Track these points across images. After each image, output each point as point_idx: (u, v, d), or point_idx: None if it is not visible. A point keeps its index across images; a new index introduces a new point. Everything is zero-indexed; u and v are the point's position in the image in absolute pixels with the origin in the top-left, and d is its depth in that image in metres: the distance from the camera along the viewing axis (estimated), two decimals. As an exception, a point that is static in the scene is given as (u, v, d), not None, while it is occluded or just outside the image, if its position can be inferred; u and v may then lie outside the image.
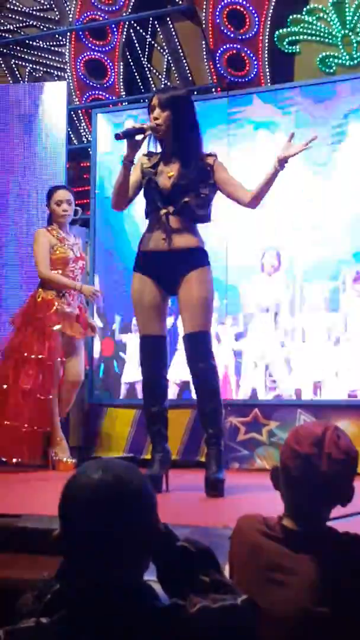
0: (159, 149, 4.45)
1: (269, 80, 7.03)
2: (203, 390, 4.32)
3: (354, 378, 5.74)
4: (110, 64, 7.81)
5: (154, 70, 7.71)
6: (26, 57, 8.22)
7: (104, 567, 1.51)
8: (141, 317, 4.45)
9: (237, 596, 1.61)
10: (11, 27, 8.26)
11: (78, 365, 5.79)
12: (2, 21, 8.26)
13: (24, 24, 8.23)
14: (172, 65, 7.59)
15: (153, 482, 3.99)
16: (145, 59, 7.71)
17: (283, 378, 5.94)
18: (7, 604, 1.77)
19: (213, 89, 7.20)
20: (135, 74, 7.74)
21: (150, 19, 7.63)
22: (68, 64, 7.94)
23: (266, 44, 7.05)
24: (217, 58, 7.20)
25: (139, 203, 4.53)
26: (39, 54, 8.18)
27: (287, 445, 2.09)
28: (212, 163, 4.38)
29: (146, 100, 7.28)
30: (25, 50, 8.21)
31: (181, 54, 7.55)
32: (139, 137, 4.26)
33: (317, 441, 2.05)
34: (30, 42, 8.18)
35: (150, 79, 7.72)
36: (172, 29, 7.58)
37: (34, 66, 8.19)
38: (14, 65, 8.24)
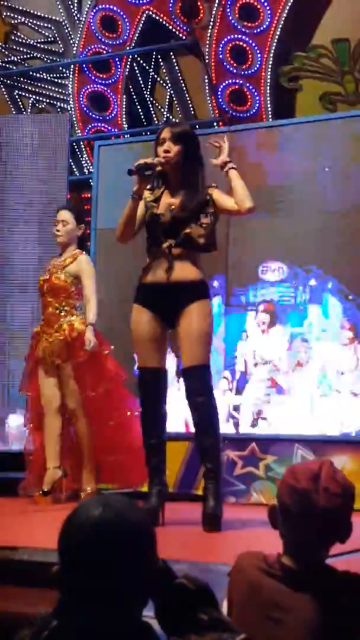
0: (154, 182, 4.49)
1: (270, 116, 7.09)
2: (202, 425, 4.30)
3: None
4: (113, 96, 7.88)
5: (157, 104, 7.78)
6: (30, 88, 8.28)
7: (103, 603, 1.50)
8: (140, 349, 4.44)
9: (235, 635, 1.59)
10: (15, 59, 8.33)
11: (67, 395, 5.49)
12: (6, 53, 8.33)
13: (29, 56, 8.31)
14: (174, 99, 7.66)
15: (151, 516, 4.00)
16: (148, 93, 7.78)
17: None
18: (4, 637, 1.76)
19: (215, 124, 7.25)
20: (138, 107, 7.80)
21: (154, 53, 7.70)
22: (71, 96, 8.00)
23: (268, 80, 7.12)
24: (219, 92, 7.27)
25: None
26: (43, 85, 8.25)
27: (284, 482, 2.09)
28: (211, 192, 4.40)
29: (149, 133, 7.38)
30: (28, 81, 8.28)
31: (184, 88, 7.61)
32: (148, 172, 4.29)
33: (314, 476, 2.05)
34: (34, 74, 8.25)
35: (152, 112, 7.78)
36: (175, 63, 7.65)
37: (37, 97, 8.25)
38: (17, 97, 8.30)
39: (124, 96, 7.83)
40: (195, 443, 4.43)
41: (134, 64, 7.81)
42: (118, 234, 4.49)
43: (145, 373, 4.41)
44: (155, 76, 7.76)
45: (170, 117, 7.63)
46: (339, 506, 2.05)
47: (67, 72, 8.09)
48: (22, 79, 8.29)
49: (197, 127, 7.25)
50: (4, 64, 8.35)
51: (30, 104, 8.27)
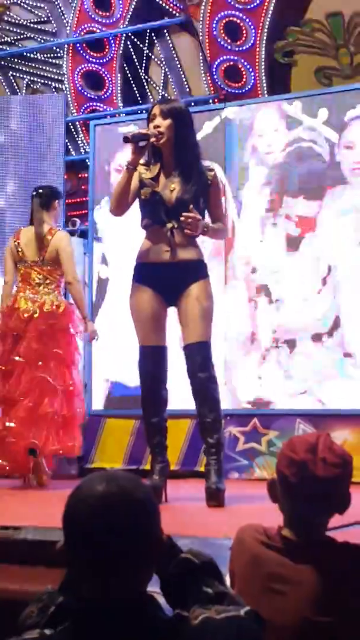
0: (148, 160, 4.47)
1: (265, 91, 7.06)
2: (203, 401, 4.34)
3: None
4: (108, 75, 7.84)
5: (152, 82, 7.74)
6: (24, 69, 8.24)
7: (108, 578, 1.52)
8: (141, 328, 4.46)
9: (240, 607, 1.61)
10: (9, 40, 8.28)
11: None
12: (0, 34, 8.29)
13: (22, 37, 8.26)
14: (169, 76, 7.62)
15: (155, 493, 4.03)
16: (143, 71, 7.74)
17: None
18: (10, 615, 1.78)
19: (210, 100, 7.23)
20: (133, 85, 7.77)
21: (148, 31, 7.66)
22: (66, 76, 7.96)
23: (263, 56, 7.08)
24: (214, 69, 7.23)
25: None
26: (37, 66, 8.21)
27: (282, 455, 2.12)
28: (211, 178, 4.43)
29: (144, 112, 7.35)
30: (23, 62, 8.24)
31: (178, 66, 7.58)
32: (142, 143, 4.31)
33: (312, 447, 2.08)
34: (28, 55, 8.21)
35: (147, 90, 7.75)
36: (170, 41, 7.61)
37: (32, 78, 8.21)
38: (11, 78, 8.26)
39: (119, 75, 7.80)
40: (197, 418, 4.45)
41: (128, 43, 7.77)
42: (113, 206, 4.50)
43: (147, 351, 4.44)
44: (150, 54, 7.72)
45: (166, 94, 7.60)
46: (337, 476, 2.07)
47: (61, 52, 8.05)
48: (16, 60, 8.25)
49: (192, 104, 7.22)
50: (-3, 45, 8.31)
51: (24, 85, 8.23)
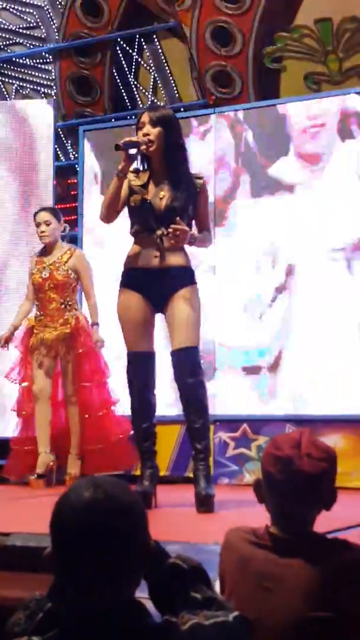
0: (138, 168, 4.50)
1: (254, 97, 7.07)
2: (191, 406, 4.34)
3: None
4: (97, 81, 7.84)
5: (141, 87, 7.74)
6: (13, 74, 8.24)
7: (96, 584, 1.51)
8: (129, 334, 4.45)
9: (229, 612, 1.61)
10: (-2, 45, 8.28)
11: (65, 384, 5.75)
12: (-11, 39, 8.29)
13: (11, 42, 8.25)
14: (158, 82, 7.63)
15: (143, 498, 4.03)
16: (132, 76, 7.74)
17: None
18: (-3, 622, 1.76)
19: (199, 106, 7.24)
20: (122, 91, 7.77)
21: (137, 36, 7.67)
22: (55, 82, 7.96)
23: (252, 61, 7.09)
24: (203, 75, 7.24)
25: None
26: (26, 71, 8.20)
27: (266, 454, 2.12)
28: (199, 187, 4.46)
29: (134, 117, 7.36)
30: (12, 68, 8.23)
31: (167, 71, 7.58)
32: (132, 150, 4.32)
33: (296, 443, 2.08)
34: (17, 60, 8.20)
35: (137, 95, 7.75)
36: (159, 46, 7.62)
37: (21, 84, 8.21)
38: (0, 83, 8.26)
39: (108, 80, 7.80)
40: (186, 424, 4.45)
41: (117, 48, 7.77)
42: (103, 214, 4.50)
43: (135, 357, 4.43)
44: (139, 60, 7.73)
45: (155, 100, 7.60)
46: (323, 471, 2.08)
47: (51, 57, 8.05)
48: (5, 65, 8.24)
49: (182, 109, 7.24)
50: (-14, 51, 8.31)
51: (14, 90, 8.23)
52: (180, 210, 4.34)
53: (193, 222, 4.47)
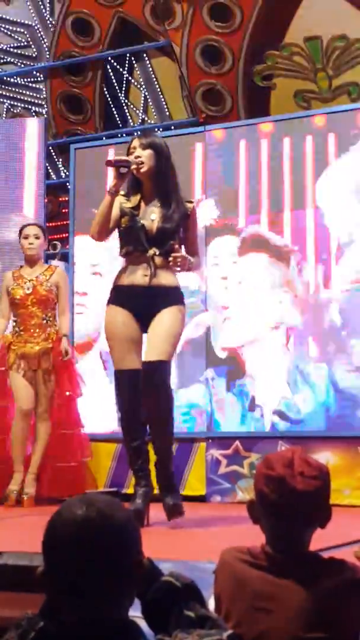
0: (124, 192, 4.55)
1: (244, 114, 7.10)
2: (158, 417, 4.38)
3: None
4: (88, 99, 7.87)
5: (131, 106, 7.78)
6: (4, 93, 8.26)
7: (89, 603, 1.50)
8: (118, 350, 4.46)
9: (223, 631, 1.59)
10: (-11, 64, 8.31)
11: (39, 398, 5.70)
12: (-20, 59, 8.32)
13: (2, 61, 8.29)
14: (149, 100, 7.66)
15: (137, 517, 4.01)
16: (123, 95, 7.78)
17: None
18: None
19: (190, 124, 7.26)
20: (113, 109, 7.80)
21: (127, 55, 7.70)
22: (46, 100, 7.99)
23: (242, 79, 7.13)
24: (193, 93, 7.27)
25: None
26: (17, 90, 8.23)
27: (259, 473, 2.11)
28: (189, 210, 4.53)
29: (124, 135, 7.38)
30: (3, 86, 8.26)
31: (158, 89, 7.62)
32: (123, 170, 4.36)
33: (288, 462, 2.07)
34: (8, 79, 8.23)
35: (127, 114, 7.78)
36: (149, 65, 7.65)
37: (12, 102, 8.23)
38: (-9, 102, 8.29)
39: (99, 99, 7.83)
40: (152, 435, 4.46)
41: (108, 66, 7.80)
42: (95, 231, 4.52)
43: (124, 375, 4.44)
44: (129, 78, 7.76)
45: (146, 118, 7.64)
46: (317, 489, 2.07)
47: (41, 76, 8.08)
48: (-4, 84, 8.27)
49: (172, 127, 7.27)
50: (-23, 70, 8.33)
51: (5, 109, 8.25)
52: (171, 232, 4.41)
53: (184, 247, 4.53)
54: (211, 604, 2.08)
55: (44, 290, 5.66)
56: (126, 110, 7.78)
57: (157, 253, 4.38)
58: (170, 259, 4.33)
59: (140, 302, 4.40)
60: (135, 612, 1.62)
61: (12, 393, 5.68)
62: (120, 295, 4.48)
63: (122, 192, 4.49)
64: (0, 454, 5.79)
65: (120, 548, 1.51)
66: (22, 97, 8.22)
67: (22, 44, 8.19)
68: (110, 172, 6.18)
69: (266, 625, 2.00)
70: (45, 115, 7.87)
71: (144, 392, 4.37)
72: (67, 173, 7.43)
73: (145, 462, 4.43)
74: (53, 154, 7.82)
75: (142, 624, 1.62)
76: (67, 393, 5.70)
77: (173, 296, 4.45)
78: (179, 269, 4.37)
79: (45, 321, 5.66)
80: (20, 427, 5.60)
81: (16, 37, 8.19)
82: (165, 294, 4.42)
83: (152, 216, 4.42)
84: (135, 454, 4.42)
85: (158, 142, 4.52)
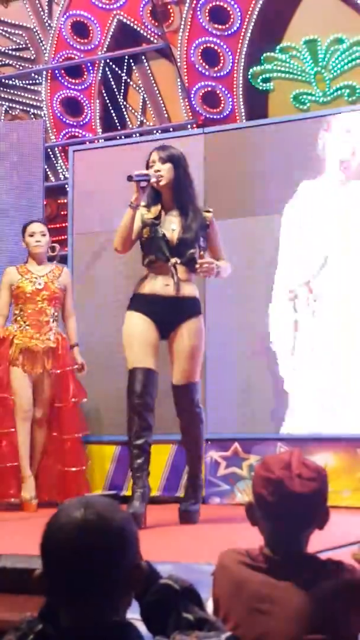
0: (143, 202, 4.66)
1: (243, 117, 7.11)
2: (187, 436, 4.65)
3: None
4: (87, 101, 7.88)
5: (130, 108, 7.78)
6: (2, 95, 8.27)
7: (87, 605, 1.50)
8: (134, 352, 4.54)
9: (221, 633, 1.60)
10: (-13, 67, 8.32)
11: (39, 402, 5.63)
12: (-22, 61, 8.32)
13: (0, 64, 8.29)
14: (147, 102, 7.66)
15: (135, 519, 4.02)
16: (121, 97, 7.78)
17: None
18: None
19: (189, 126, 7.27)
20: (112, 111, 7.80)
21: (126, 57, 7.71)
22: (44, 102, 7.99)
23: (240, 82, 7.14)
24: (192, 95, 7.28)
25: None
26: (16, 92, 8.23)
27: (257, 476, 2.12)
28: (209, 219, 4.68)
29: (123, 137, 7.38)
30: (1, 89, 8.27)
31: (157, 92, 7.62)
32: (143, 183, 4.48)
33: (286, 465, 2.08)
34: (7, 81, 8.24)
35: (126, 116, 7.78)
36: (148, 67, 7.66)
37: (11, 105, 8.24)
38: (-10, 104, 8.29)
39: (97, 101, 7.84)
40: (184, 448, 4.75)
41: (107, 69, 7.81)
42: (119, 244, 4.65)
43: (138, 373, 4.51)
44: (128, 80, 7.77)
45: (144, 120, 7.64)
46: (314, 491, 2.07)
47: (40, 78, 8.08)
48: (-5, 87, 8.28)
49: (171, 129, 7.27)
50: (-24, 73, 8.34)
51: (3, 111, 8.25)
52: (192, 242, 4.56)
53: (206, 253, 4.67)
54: (210, 606, 2.08)
55: (56, 288, 5.65)
56: (125, 113, 7.78)
57: (179, 262, 4.53)
58: (197, 265, 4.49)
59: (161, 311, 4.53)
60: (133, 614, 1.62)
61: (12, 389, 5.53)
62: (141, 303, 4.59)
63: (142, 204, 4.60)
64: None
65: (118, 550, 1.51)
66: (20, 100, 8.23)
67: (20, 46, 8.19)
68: (110, 174, 6.26)
69: (265, 627, 2.00)
70: (44, 118, 7.87)
71: (176, 410, 4.63)
72: (66, 175, 7.44)
73: (146, 462, 4.47)
74: (52, 156, 7.82)
75: (141, 627, 1.62)
76: (73, 400, 5.62)
77: (193, 307, 4.61)
78: (207, 274, 4.54)
79: (52, 320, 5.62)
80: (24, 426, 5.49)
81: (15, 39, 8.20)
82: (186, 305, 4.57)
83: (172, 226, 4.57)
84: (137, 453, 4.45)
85: (176, 155, 4.63)
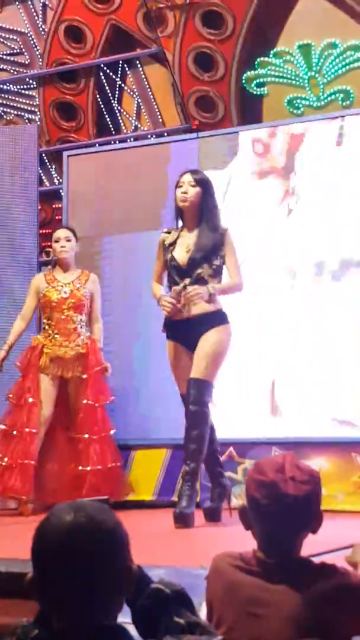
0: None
1: (237, 121, 7.12)
2: (189, 431, 4.70)
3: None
4: (81, 106, 7.88)
5: (124, 113, 7.78)
6: (-3, 100, 8.27)
7: (78, 608, 1.50)
8: (177, 379, 4.88)
9: (213, 637, 1.60)
10: (-18, 72, 8.31)
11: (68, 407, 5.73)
12: (-28, 66, 8.32)
13: (-6, 69, 8.29)
14: (142, 107, 7.67)
15: (181, 520, 4.40)
16: (116, 102, 7.78)
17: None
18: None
19: (183, 131, 7.28)
20: (106, 116, 7.81)
21: (120, 62, 7.71)
22: (39, 107, 7.99)
23: (234, 86, 7.14)
24: (186, 100, 7.28)
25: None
26: (10, 97, 8.23)
27: (250, 479, 2.12)
28: (224, 236, 4.88)
29: (117, 142, 7.39)
30: (-5, 94, 8.26)
31: (151, 96, 7.63)
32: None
33: (279, 467, 2.08)
34: (1, 86, 8.23)
35: (121, 121, 7.79)
36: (142, 72, 7.66)
37: (5, 109, 8.23)
38: (-16, 109, 8.29)
39: (92, 106, 7.84)
40: (183, 446, 4.77)
41: (101, 74, 7.81)
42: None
43: (183, 399, 4.82)
44: (122, 85, 7.77)
45: (139, 125, 7.64)
46: (308, 494, 2.07)
47: (34, 83, 8.08)
48: (-11, 92, 8.28)
49: (165, 134, 7.28)
50: (-30, 77, 8.33)
51: (-3, 116, 8.25)
52: (201, 260, 4.78)
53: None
54: (203, 610, 2.09)
55: (82, 296, 5.74)
56: (119, 117, 7.78)
57: (188, 283, 4.75)
58: (183, 297, 4.72)
59: (183, 334, 4.80)
60: (124, 619, 1.62)
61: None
62: (169, 329, 4.89)
63: (164, 230, 5.03)
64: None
65: (109, 554, 1.52)
66: (14, 104, 8.22)
67: (14, 51, 8.19)
68: (104, 179, 6.27)
69: (258, 631, 2.00)
70: (38, 123, 7.87)
71: (184, 405, 4.80)
72: (61, 180, 7.44)
73: (198, 468, 4.71)
74: (46, 161, 7.82)
75: (132, 631, 1.62)
76: (96, 404, 5.67)
77: (212, 320, 4.80)
78: (201, 302, 4.73)
79: (80, 326, 5.72)
80: (41, 435, 5.60)
81: (9, 44, 8.19)
82: (204, 322, 4.77)
83: (186, 249, 4.82)
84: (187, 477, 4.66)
85: (206, 180, 4.94)
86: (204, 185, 4.92)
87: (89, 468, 5.57)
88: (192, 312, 4.76)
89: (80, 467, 5.58)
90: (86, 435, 5.59)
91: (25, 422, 5.59)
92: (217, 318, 4.84)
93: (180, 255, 4.85)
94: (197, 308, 4.76)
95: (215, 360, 4.77)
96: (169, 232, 5.00)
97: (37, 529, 1.54)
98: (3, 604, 2.80)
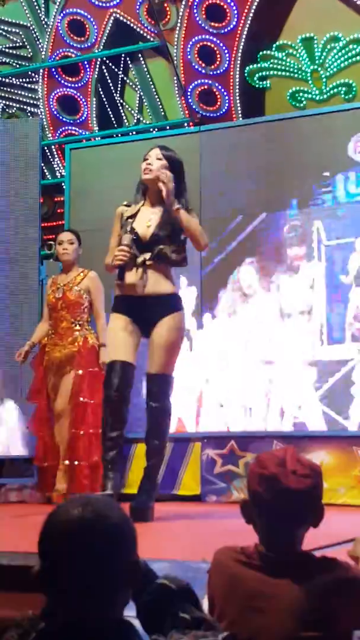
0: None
1: (240, 115, 7.11)
2: (151, 427, 4.56)
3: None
4: (83, 99, 7.88)
5: (127, 106, 7.78)
6: (-1, 94, 8.27)
7: (84, 603, 1.50)
8: (112, 345, 4.60)
9: (218, 633, 1.60)
10: (-16, 65, 8.31)
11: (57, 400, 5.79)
12: (-26, 59, 8.31)
13: (-3, 62, 8.29)
14: (144, 100, 7.67)
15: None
16: (118, 95, 7.78)
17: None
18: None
19: (185, 124, 7.27)
20: (108, 109, 7.80)
21: (122, 55, 7.71)
22: (41, 100, 7.99)
23: (237, 80, 7.14)
24: (188, 93, 7.28)
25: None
26: (12, 90, 8.23)
27: (252, 473, 2.11)
28: (189, 213, 4.58)
29: (119, 135, 7.39)
30: (-2, 87, 8.27)
31: (153, 90, 7.62)
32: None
33: (281, 461, 2.08)
34: (3, 79, 8.23)
35: (123, 114, 7.79)
36: (144, 65, 7.66)
37: (7, 103, 8.23)
38: (-14, 102, 8.29)
39: (94, 99, 7.84)
40: (145, 442, 4.63)
41: (103, 67, 7.81)
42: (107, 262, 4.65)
43: (115, 364, 4.53)
44: (125, 78, 7.77)
45: (141, 118, 7.64)
46: (309, 487, 2.07)
47: (37, 76, 8.08)
48: (-9, 85, 8.28)
49: (167, 127, 7.28)
50: (-27, 71, 8.33)
51: (0, 109, 8.25)
52: (165, 238, 4.50)
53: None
54: (205, 604, 2.09)
55: (72, 295, 5.75)
56: (121, 111, 7.78)
57: (148, 258, 4.48)
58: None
59: (137, 311, 4.53)
60: (128, 612, 1.62)
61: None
62: (120, 304, 4.62)
63: (124, 203, 4.67)
64: (41, 453, 5.80)
65: (116, 548, 1.52)
66: (17, 98, 8.22)
67: (17, 44, 8.19)
68: (106, 172, 6.28)
69: (260, 625, 2.00)
70: (41, 116, 7.87)
71: (146, 401, 4.57)
72: (63, 173, 7.44)
73: (119, 454, 4.51)
74: (48, 154, 7.82)
75: (137, 624, 1.62)
76: (83, 399, 5.67)
77: (168, 304, 4.56)
78: (165, 190, 4.44)
79: (74, 325, 5.74)
80: (62, 426, 5.68)
81: (11, 37, 8.19)
82: (161, 303, 4.53)
83: (148, 222, 4.53)
84: (111, 445, 4.47)
85: (174, 157, 4.62)
86: (172, 162, 4.60)
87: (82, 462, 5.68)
88: (149, 291, 4.49)
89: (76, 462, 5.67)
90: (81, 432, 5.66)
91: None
92: (172, 302, 4.59)
93: (142, 229, 4.54)
94: (156, 287, 4.49)
95: (173, 350, 4.56)
96: (128, 205, 4.67)
97: (45, 522, 1.55)
98: (5, 597, 2.80)
